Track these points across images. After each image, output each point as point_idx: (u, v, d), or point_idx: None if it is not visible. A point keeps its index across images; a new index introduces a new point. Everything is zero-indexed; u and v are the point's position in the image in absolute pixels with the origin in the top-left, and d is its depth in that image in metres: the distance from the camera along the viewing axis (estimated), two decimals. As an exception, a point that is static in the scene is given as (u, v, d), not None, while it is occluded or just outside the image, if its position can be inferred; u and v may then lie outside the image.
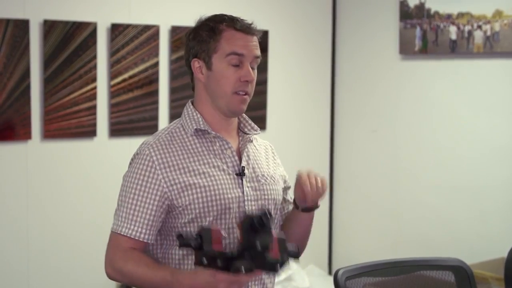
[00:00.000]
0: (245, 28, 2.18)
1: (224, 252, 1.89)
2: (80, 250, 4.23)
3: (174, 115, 4.42)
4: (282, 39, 4.99)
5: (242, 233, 1.91)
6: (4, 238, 4.02)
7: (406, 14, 4.75)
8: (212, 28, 2.18)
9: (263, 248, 1.89)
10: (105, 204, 3.84)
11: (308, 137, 5.20)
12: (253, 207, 2.19)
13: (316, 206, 2.25)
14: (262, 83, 4.83)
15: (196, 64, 2.21)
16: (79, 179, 4.23)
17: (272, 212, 2.26)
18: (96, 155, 4.28)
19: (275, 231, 2.22)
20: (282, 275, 4.78)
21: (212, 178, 2.15)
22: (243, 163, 2.22)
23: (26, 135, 4.02)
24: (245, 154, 2.24)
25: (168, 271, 2.06)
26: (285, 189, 2.38)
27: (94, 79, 4.21)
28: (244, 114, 2.30)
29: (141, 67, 4.38)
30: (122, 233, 2.12)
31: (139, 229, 2.12)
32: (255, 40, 2.20)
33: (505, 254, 2.77)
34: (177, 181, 2.13)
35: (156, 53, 4.42)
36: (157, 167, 2.13)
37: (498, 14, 4.33)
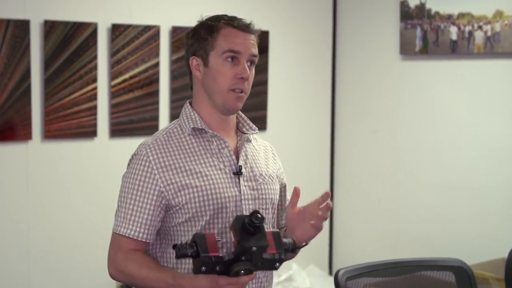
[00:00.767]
0: (242, 26, 2.19)
1: (221, 256, 1.90)
2: (81, 250, 4.23)
3: (175, 115, 4.42)
4: (283, 40, 4.99)
5: (235, 235, 1.91)
6: (4, 238, 4.02)
7: (406, 14, 4.75)
8: (210, 26, 2.19)
9: (259, 250, 1.89)
10: (106, 205, 3.84)
11: (308, 137, 5.20)
12: (250, 206, 2.19)
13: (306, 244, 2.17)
14: (262, 83, 4.83)
15: (194, 61, 2.22)
16: (80, 180, 4.23)
17: (270, 211, 2.26)
18: (97, 155, 4.28)
19: (268, 226, 2.22)
20: (282, 276, 4.78)
21: (209, 177, 2.16)
22: (241, 162, 2.22)
23: (26, 136, 4.02)
24: (242, 153, 2.24)
25: (169, 274, 2.07)
26: (282, 192, 2.38)
27: (94, 80, 4.22)
28: (242, 114, 2.31)
29: (142, 67, 4.38)
30: (121, 233, 2.14)
31: (138, 229, 2.13)
32: (252, 39, 2.20)
33: (505, 255, 2.77)
34: (173, 181, 2.14)
35: (156, 54, 4.42)
36: (154, 167, 2.14)
37: (498, 14, 4.33)
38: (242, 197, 2.19)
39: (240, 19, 2.22)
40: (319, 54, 5.21)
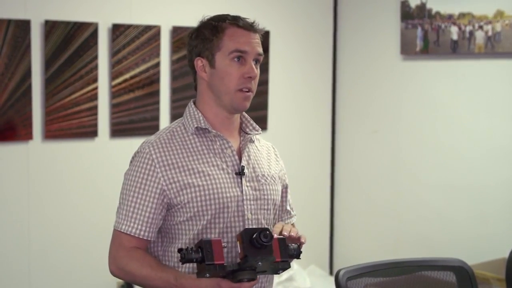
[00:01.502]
0: (247, 26, 2.20)
1: (225, 266, 1.91)
2: (81, 250, 4.23)
3: (175, 115, 4.42)
4: (283, 40, 4.99)
5: (242, 248, 1.91)
6: (5, 238, 4.02)
7: (407, 14, 4.75)
8: (215, 27, 2.19)
9: (264, 264, 1.91)
10: (106, 204, 3.85)
11: (309, 137, 5.20)
12: (252, 207, 2.20)
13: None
14: (263, 83, 4.83)
15: (199, 63, 2.21)
16: (80, 180, 4.23)
17: (271, 212, 2.27)
18: (97, 155, 4.28)
19: (269, 227, 2.22)
20: (283, 276, 4.78)
21: (211, 177, 2.16)
22: (243, 163, 2.22)
23: (27, 136, 4.02)
24: (245, 153, 2.24)
25: (171, 274, 2.07)
26: (283, 193, 2.38)
27: (95, 80, 4.22)
28: (246, 114, 2.31)
29: (142, 67, 4.38)
30: (122, 231, 2.15)
31: (139, 227, 2.14)
32: (257, 38, 2.21)
33: (506, 255, 2.78)
34: (175, 179, 2.14)
35: (157, 54, 4.42)
36: (157, 165, 2.14)
37: (499, 14, 4.33)
38: (244, 197, 2.19)
39: (244, 18, 2.22)
40: (319, 54, 5.20)
